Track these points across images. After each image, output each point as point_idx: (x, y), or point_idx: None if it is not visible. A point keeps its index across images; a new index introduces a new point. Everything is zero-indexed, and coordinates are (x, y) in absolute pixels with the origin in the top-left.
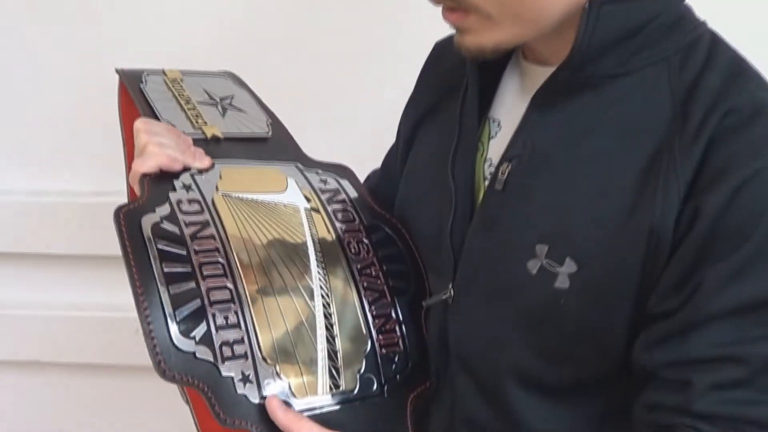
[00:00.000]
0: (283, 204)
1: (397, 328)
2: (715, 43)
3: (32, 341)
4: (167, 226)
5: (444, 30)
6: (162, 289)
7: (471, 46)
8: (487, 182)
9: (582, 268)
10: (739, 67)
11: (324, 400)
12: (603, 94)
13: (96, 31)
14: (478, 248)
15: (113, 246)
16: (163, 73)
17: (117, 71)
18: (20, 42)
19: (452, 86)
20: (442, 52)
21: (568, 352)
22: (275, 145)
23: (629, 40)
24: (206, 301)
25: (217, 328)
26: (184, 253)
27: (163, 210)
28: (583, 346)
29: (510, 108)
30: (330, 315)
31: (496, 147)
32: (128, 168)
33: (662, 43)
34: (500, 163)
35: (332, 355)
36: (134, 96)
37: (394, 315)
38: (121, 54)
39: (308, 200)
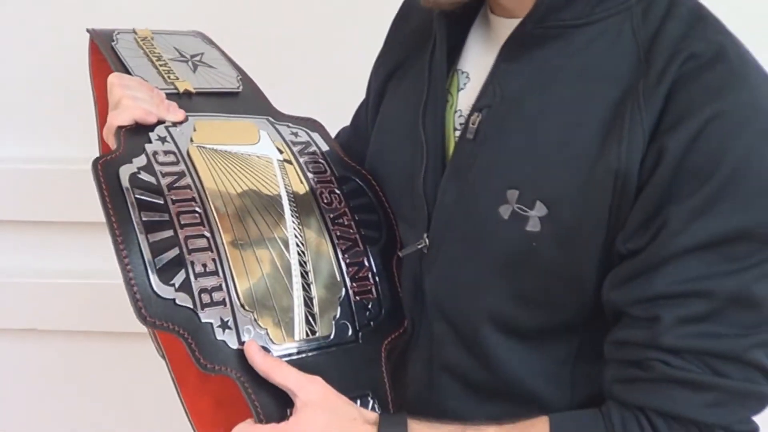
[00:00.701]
0: (257, 155)
1: (370, 276)
2: None
3: (28, 308)
4: (144, 176)
5: None
6: (141, 238)
7: None
8: (457, 133)
9: (552, 211)
10: (699, 15)
11: (301, 346)
12: (569, 43)
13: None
14: (452, 197)
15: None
16: (134, 32)
17: (88, 31)
18: (6, 11)
19: (420, 42)
20: (410, 10)
21: (542, 295)
22: (246, 100)
23: None
24: (184, 249)
25: (196, 276)
26: (162, 202)
27: (140, 161)
28: (556, 288)
29: (478, 60)
30: (305, 263)
31: (465, 98)
32: (100, 124)
33: None
34: (471, 113)
35: (308, 302)
36: (106, 54)
37: (366, 263)
38: (113, 20)
39: (281, 152)
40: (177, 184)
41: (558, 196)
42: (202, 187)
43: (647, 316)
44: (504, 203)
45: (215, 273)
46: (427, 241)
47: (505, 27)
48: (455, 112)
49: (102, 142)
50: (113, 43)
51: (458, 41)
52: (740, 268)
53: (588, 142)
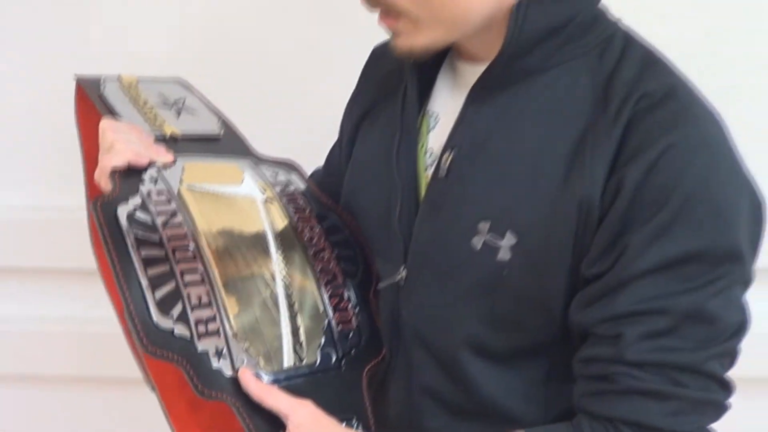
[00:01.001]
0: (242, 195)
1: (350, 307)
2: (628, 38)
3: (24, 354)
4: (140, 215)
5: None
6: (140, 273)
7: (403, 48)
8: (428, 171)
9: (521, 240)
10: (650, 58)
11: (290, 373)
12: (532, 85)
13: (81, 43)
14: (427, 232)
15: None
16: (120, 78)
17: (76, 78)
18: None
19: (391, 86)
20: (380, 55)
21: (515, 320)
22: (227, 143)
23: (553, 37)
24: (180, 283)
25: (192, 308)
26: (158, 239)
27: (136, 201)
28: (527, 312)
29: (446, 102)
30: (291, 295)
31: (435, 138)
32: (87, 167)
33: (582, 39)
34: (443, 153)
35: (295, 331)
36: (95, 100)
37: (346, 295)
38: (105, 67)
39: (263, 191)
40: (171, 222)
41: (526, 227)
42: (194, 225)
43: (612, 333)
44: (476, 235)
45: (209, 305)
46: (404, 273)
47: (472, 72)
48: (426, 152)
49: (89, 184)
50: (101, 90)
51: (427, 85)
52: (694, 287)
53: (553, 176)
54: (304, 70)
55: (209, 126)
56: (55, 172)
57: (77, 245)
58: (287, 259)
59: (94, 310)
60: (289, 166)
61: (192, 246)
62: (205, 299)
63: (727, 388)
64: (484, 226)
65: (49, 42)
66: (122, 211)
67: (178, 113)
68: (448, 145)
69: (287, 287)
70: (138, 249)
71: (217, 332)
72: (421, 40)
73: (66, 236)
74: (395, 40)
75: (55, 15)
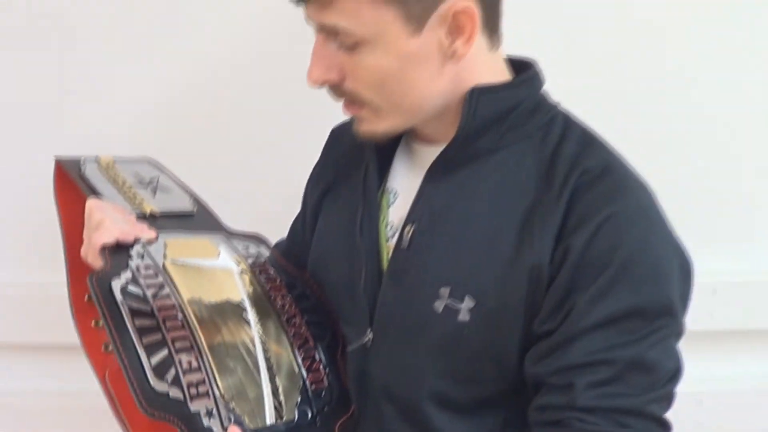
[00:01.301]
0: (220, 268)
1: (321, 368)
2: (567, 119)
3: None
4: (132, 288)
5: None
6: (136, 341)
7: (366, 132)
8: (389, 242)
9: (479, 303)
10: (588, 137)
11: (272, 429)
12: (484, 164)
13: (60, 123)
14: (391, 298)
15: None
16: (97, 159)
17: (56, 158)
18: None
19: (351, 164)
20: (339, 135)
21: (473, 373)
22: (200, 219)
23: (501, 121)
24: (172, 350)
25: (183, 372)
26: (149, 310)
27: (127, 275)
28: (485, 366)
29: (404, 180)
30: (269, 359)
31: (395, 212)
32: (66, 244)
33: (527, 123)
34: (404, 226)
35: (275, 391)
36: (76, 180)
37: (317, 357)
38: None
39: (238, 264)
40: (159, 294)
41: (483, 291)
42: (180, 296)
43: (563, 383)
44: (438, 299)
45: (199, 369)
46: (370, 336)
47: (428, 153)
48: (387, 224)
49: (69, 258)
50: (82, 170)
51: (385, 163)
52: (635, 339)
53: (506, 245)
54: (265, 150)
55: (183, 204)
56: (27, 249)
57: (50, 321)
58: (264, 325)
59: (71, 384)
60: (258, 240)
61: (180, 316)
62: (194, 364)
63: (666, 427)
64: (444, 291)
65: (25, 121)
66: (116, 285)
67: (154, 192)
68: (409, 219)
69: (266, 351)
70: (133, 319)
71: (207, 394)
72: (382, 126)
73: (38, 312)
74: (359, 125)
75: (28, 91)
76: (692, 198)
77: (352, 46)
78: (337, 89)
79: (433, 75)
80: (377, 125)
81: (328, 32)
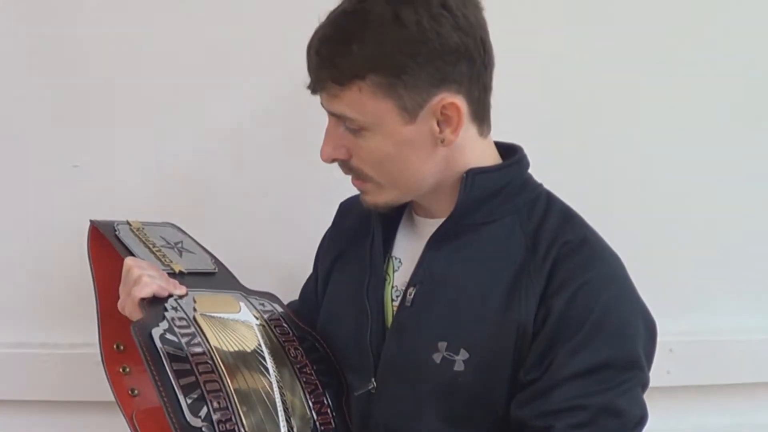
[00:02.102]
0: (241, 321)
1: (329, 411)
2: (550, 198)
3: None
4: (169, 336)
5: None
6: (174, 383)
7: (370, 203)
8: (394, 303)
9: (472, 355)
10: (567, 214)
11: None
12: (478, 235)
13: (69, 185)
14: (395, 350)
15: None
16: (128, 223)
17: (92, 221)
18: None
19: (358, 233)
20: (348, 208)
21: (467, 416)
22: (221, 278)
23: (493, 198)
24: (204, 391)
25: (214, 410)
26: (184, 355)
27: (164, 325)
28: (475, 410)
29: (407, 249)
30: (285, 402)
31: (399, 277)
32: (100, 299)
33: (515, 199)
34: (407, 288)
35: (290, 430)
36: (113, 241)
37: (326, 402)
38: (86, 210)
39: (256, 318)
40: (192, 342)
41: (477, 344)
42: (209, 344)
43: (544, 425)
44: (436, 352)
45: (226, 408)
46: (375, 383)
47: (428, 224)
48: (392, 288)
49: (101, 313)
50: (116, 233)
51: (390, 234)
52: (607, 388)
53: (496, 305)
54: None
55: (206, 264)
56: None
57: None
58: (280, 372)
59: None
60: (272, 297)
61: (210, 362)
62: (223, 404)
63: None
64: (442, 345)
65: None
66: (155, 333)
67: (180, 253)
68: (412, 282)
69: (282, 395)
70: (171, 363)
71: (233, 431)
72: (383, 198)
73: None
74: (364, 197)
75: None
76: (652, 268)
77: (357, 130)
78: (345, 165)
79: (426, 158)
80: (379, 197)
81: (337, 117)
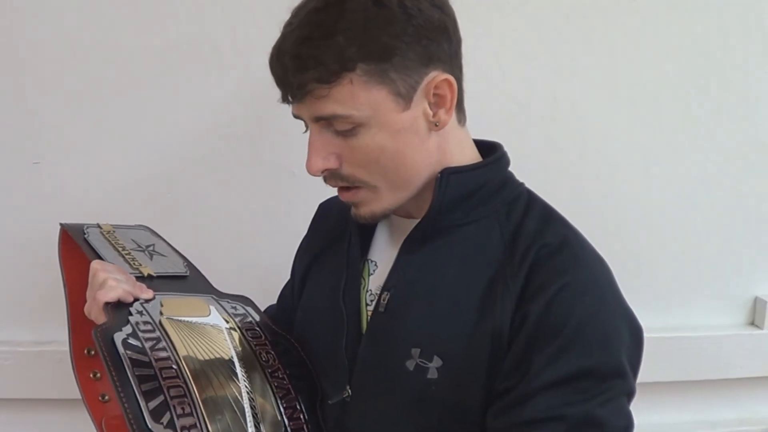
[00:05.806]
0: (210, 325)
1: (301, 417)
2: (531, 198)
3: None
4: (132, 341)
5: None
6: (136, 388)
7: (366, 215)
8: (369, 307)
9: (446, 363)
10: (548, 214)
11: None
12: (453, 237)
13: (34, 184)
14: (369, 357)
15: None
16: (99, 226)
17: (61, 225)
18: None
19: (335, 235)
20: (325, 210)
21: (441, 425)
22: (193, 281)
23: (469, 198)
24: (167, 396)
25: (178, 416)
26: (148, 360)
27: (127, 329)
28: (449, 419)
29: (383, 252)
30: (254, 407)
31: (374, 281)
32: (70, 302)
33: (493, 200)
34: (381, 292)
35: None
36: (81, 244)
37: (298, 407)
38: (55, 208)
39: (227, 322)
40: (156, 347)
41: (450, 351)
42: (174, 349)
43: None
44: (409, 359)
45: (191, 414)
46: (349, 391)
47: (405, 225)
48: (367, 291)
49: (71, 317)
50: (85, 236)
51: (367, 236)
52: (586, 398)
53: (471, 311)
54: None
55: (177, 267)
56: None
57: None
58: (250, 377)
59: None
60: (245, 300)
61: (174, 366)
62: (187, 410)
63: None
64: (416, 351)
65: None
66: (118, 337)
67: (151, 256)
68: (386, 287)
69: (252, 400)
70: (133, 368)
71: None
72: (380, 204)
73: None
74: (357, 210)
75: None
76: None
77: (349, 130)
78: (335, 176)
79: (420, 145)
80: (376, 205)
81: (323, 122)
